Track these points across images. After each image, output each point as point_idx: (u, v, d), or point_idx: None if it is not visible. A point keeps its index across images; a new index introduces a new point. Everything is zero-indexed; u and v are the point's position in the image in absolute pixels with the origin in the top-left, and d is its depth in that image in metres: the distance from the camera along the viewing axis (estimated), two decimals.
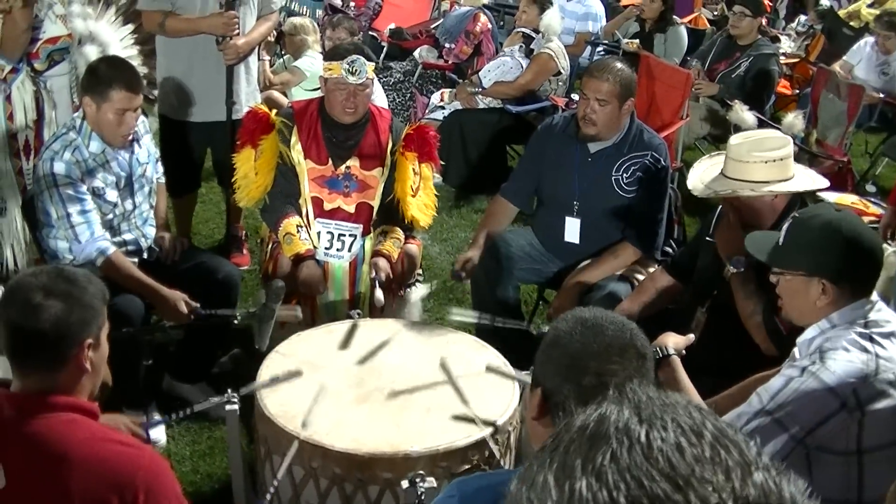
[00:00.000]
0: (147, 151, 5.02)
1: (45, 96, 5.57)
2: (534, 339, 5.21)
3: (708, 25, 12.05)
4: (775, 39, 10.07)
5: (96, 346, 2.78)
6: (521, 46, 8.33)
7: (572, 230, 5.16)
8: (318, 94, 5.40)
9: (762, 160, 4.18)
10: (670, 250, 5.21)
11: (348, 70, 4.86)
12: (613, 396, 1.12)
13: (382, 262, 4.87)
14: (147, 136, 5.02)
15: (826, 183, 4.40)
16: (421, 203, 5.14)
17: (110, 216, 4.78)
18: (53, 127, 5.59)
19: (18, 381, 2.73)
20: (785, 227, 3.36)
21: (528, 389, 3.72)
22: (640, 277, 4.97)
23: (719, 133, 8.52)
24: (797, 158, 4.81)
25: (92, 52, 5.71)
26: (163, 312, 4.66)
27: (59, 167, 4.56)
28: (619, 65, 5.07)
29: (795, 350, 3.29)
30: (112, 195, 4.77)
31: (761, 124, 7.32)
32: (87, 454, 2.61)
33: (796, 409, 3.03)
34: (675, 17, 10.16)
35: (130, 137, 4.80)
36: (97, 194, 4.69)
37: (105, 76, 4.62)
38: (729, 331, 4.05)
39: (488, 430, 3.54)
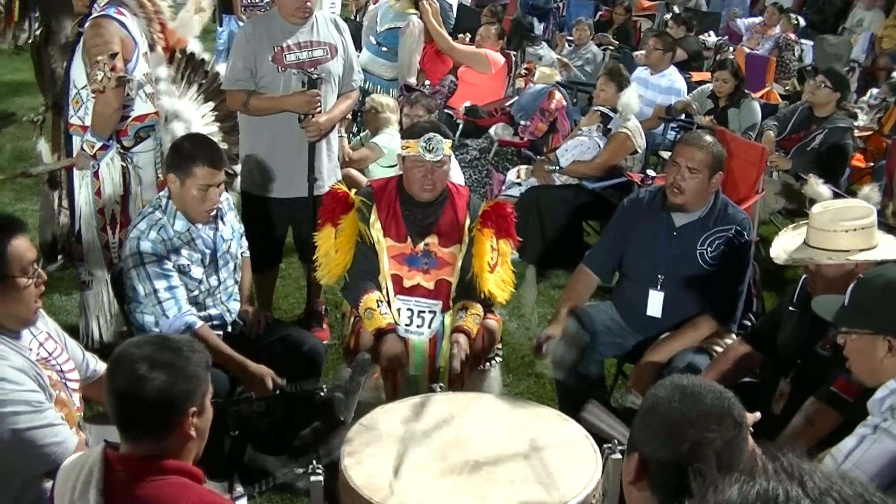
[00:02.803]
0: (231, 228, 5.12)
1: (132, 172, 5.70)
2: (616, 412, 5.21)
3: (780, 100, 12.04)
4: (854, 116, 10.02)
5: (201, 412, 2.86)
6: (598, 126, 8.35)
7: (655, 304, 5.15)
8: (394, 170, 5.47)
9: (844, 229, 4.17)
10: (748, 323, 5.19)
11: (425, 148, 4.92)
12: (766, 470, 1.12)
13: (462, 339, 4.88)
14: (231, 213, 5.12)
15: None
16: (499, 279, 5.14)
17: (196, 292, 4.87)
18: (139, 202, 5.71)
19: (127, 446, 2.80)
20: (850, 287, 3.38)
21: (609, 461, 3.75)
22: (718, 349, 4.95)
23: (794, 207, 8.49)
24: None
25: (179, 129, 5.88)
26: (249, 387, 4.73)
27: (146, 246, 4.67)
28: (711, 138, 5.13)
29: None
30: (197, 272, 4.87)
31: (836, 197, 7.28)
32: None
33: (872, 468, 3.01)
34: (747, 90, 10.19)
35: (214, 213, 4.89)
36: (183, 271, 4.79)
37: (188, 153, 4.74)
38: None
39: (573, 502, 3.53)
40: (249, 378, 4.69)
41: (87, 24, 5.54)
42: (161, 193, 4.92)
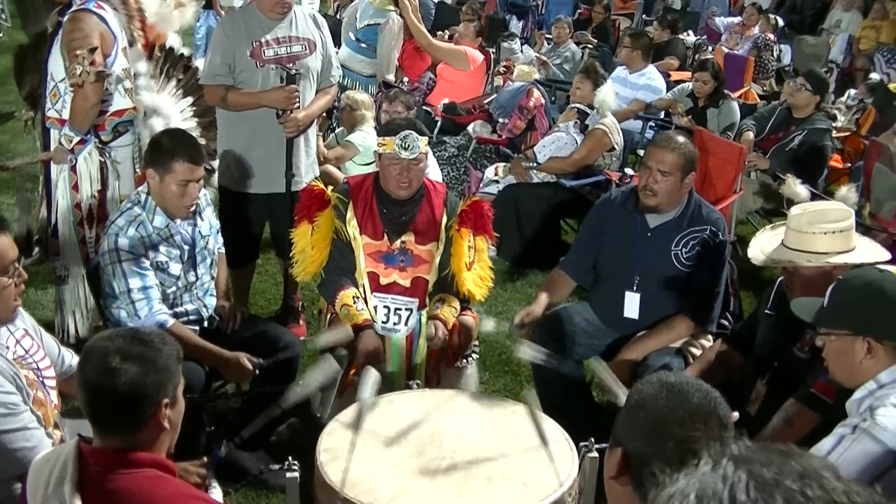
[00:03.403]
0: (209, 224, 5.11)
1: (110, 167, 5.68)
2: (595, 410, 5.23)
3: (758, 100, 12.09)
4: (833, 117, 10.07)
5: (173, 404, 2.86)
6: (575, 122, 8.36)
7: (632, 305, 5.16)
8: (371, 167, 5.46)
9: (823, 231, 4.18)
10: (726, 323, 5.20)
11: (401, 145, 4.91)
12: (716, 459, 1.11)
13: (440, 326, 4.90)
14: (209, 209, 5.10)
15: (888, 255, 4.34)
16: (476, 276, 5.15)
17: (173, 288, 4.86)
18: (117, 197, 5.70)
19: (100, 440, 2.80)
20: (830, 289, 3.40)
21: (586, 459, 3.76)
22: (695, 351, 4.97)
23: (772, 207, 8.52)
24: None
25: (158, 125, 5.88)
26: (227, 374, 4.74)
27: (124, 242, 4.65)
28: (683, 139, 5.11)
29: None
30: (175, 268, 4.86)
31: (814, 198, 7.31)
32: None
33: (851, 468, 3.02)
34: (726, 91, 10.22)
35: (193, 209, 4.88)
36: (161, 268, 4.78)
37: (167, 148, 4.73)
38: None
39: (549, 500, 3.53)
40: (226, 365, 4.69)
41: (66, 17, 5.51)
42: (140, 189, 4.90)
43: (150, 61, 6.15)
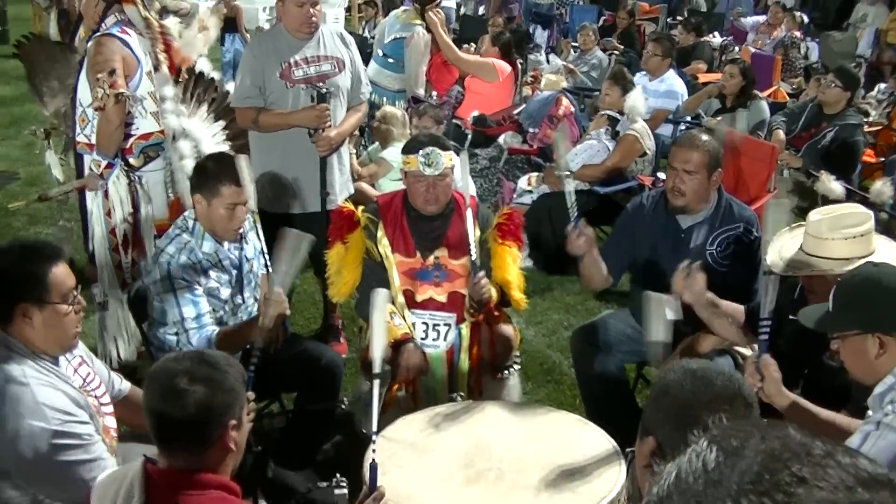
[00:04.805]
0: (253, 246, 5.12)
1: (140, 191, 5.72)
2: (639, 415, 5.19)
3: (787, 98, 12.04)
4: (864, 113, 10.03)
5: (238, 425, 2.88)
6: (606, 129, 8.36)
7: (669, 308, 5.13)
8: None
9: (843, 237, 4.14)
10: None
11: (424, 163, 4.91)
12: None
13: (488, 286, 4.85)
14: (252, 232, 5.11)
15: None
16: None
17: (220, 313, 4.87)
18: (150, 221, 5.73)
19: (166, 461, 2.82)
20: (831, 293, 3.43)
21: (633, 465, 3.75)
22: (744, 351, 4.92)
23: (807, 205, 8.47)
24: (888, 227, 4.78)
25: (186, 148, 5.91)
26: (269, 308, 4.51)
27: (176, 271, 4.67)
28: (705, 136, 5.10)
29: (869, 411, 3.31)
30: (225, 293, 4.88)
31: (849, 194, 7.27)
32: None
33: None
34: (755, 91, 10.18)
35: (240, 232, 4.90)
36: (212, 294, 4.79)
37: (213, 172, 4.75)
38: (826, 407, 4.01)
39: None
40: (265, 311, 4.49)
41: (90, 43, 5.58)
42: (185, 214, 4.92)
43: (177, 85, 6.18)
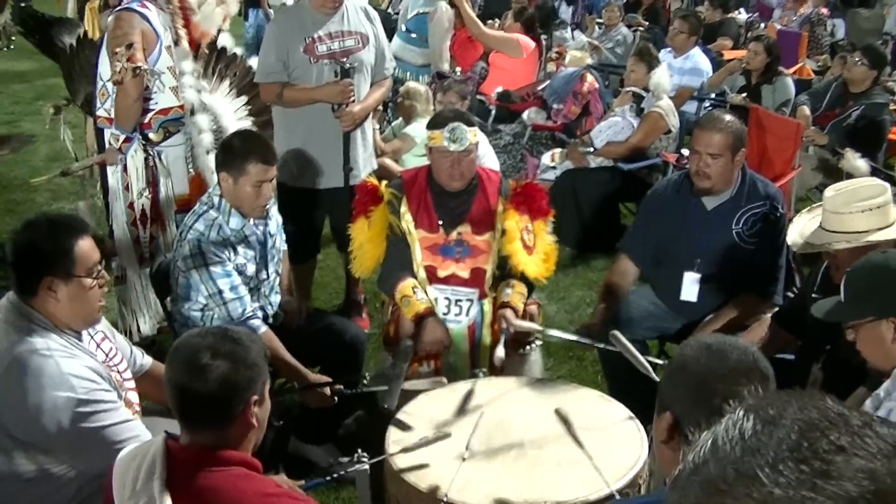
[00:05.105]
0: (276, 222, 5.14)
1: (159, 166, 5.72)
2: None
3: (813, 75, 11.97)
4: (892, 91, 9.96)
5: (261, 401, 2.88)
6: (631, 106, 8.34)
7: (690, 288, 5.13)
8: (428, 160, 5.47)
9: (860, 210, 4.13)
10: (791, 296, 5.16)
11: (449, 138, 4.90)
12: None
13: (510, 314, 4.83)
14: (274, 207, 5.12)
15: None
16: (538, 259, 5.11)
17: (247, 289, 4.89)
18: (171, 197, 5.74)
19: (188, 437, 2.82)
20: (843, 283, 3.44)
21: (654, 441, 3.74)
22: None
23: (832, 182, 8.42)
24: None
25: (203, 121, 5.88)
26: (308, 397, 4.73)
27: (207, 246, 4.68)
28: (727, 117, 5.08)
29: (881, 389, 3.34)
30: (251, 269, 4.89)
31: (874, 171, 7.23)
32: None
33: None
34: (780, 67, 10.13)
35: (267, 208, 4.91)
36: (239, 270, 4.80)
37: (240, 150, 4.75)
38: (847, 388, 4.00)
39: (619, 484, 3.53)
40: (310, 390, 4.69)
41: (109, 18, 5.58)
42: (210, 191, 4.93)
43: (197, 60, 6.16)
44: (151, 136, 5.71)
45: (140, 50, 5.41)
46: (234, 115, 6.34)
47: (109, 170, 5.76)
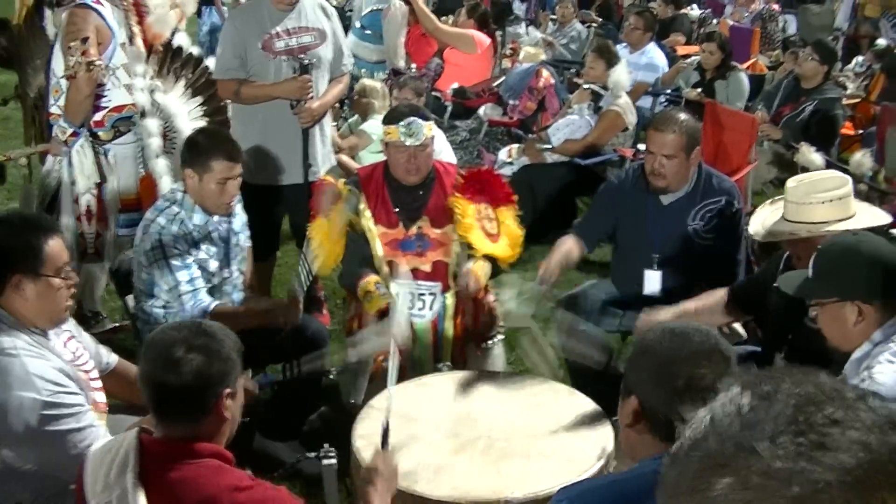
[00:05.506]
0: (241, 220, 5.13)
1: (105, 164, 5.68)
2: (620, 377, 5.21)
3: (766, 70, 12.09)
4: (843, 86, 10.08)
5: (234, 395, 2.89)
6: (589, 104, 8.37)
7: (652, 283, 5.16)
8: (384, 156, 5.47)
9: (820, 200, 4.19)
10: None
11: (405, 133, 4.91)
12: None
13: (471, 276, 4.87)
14: (239, 205, 5.11)
15: (889, 219, 4.36)
16: (504, 245, 5.15)
17: (208, 286, 4.88)
18: (116, 195, 5.70)
19: (162, 430, 2.83)
20: (811, 260, 3.48)
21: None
22: (737, 327, 4.94)
23: (787, 176, 8.47)
24: (868, 198, 4.81)
25: (153, 125, 5.79)
26: (283, 314, 4.79)
27: (168, 240, 4.67)
28: (682, 116, 5.10)
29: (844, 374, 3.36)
30: (213, 265, 4.88)
31: (829, 166, 7.30)
32: (236, 499, 2.72)
33: None
34: (733, 62, 10.22)
35: (232, 205, 4.90)
36: (201, 266, 4.79)
37: (205, 147, 4.76)
38: None
39: (588, 473, 3.54)
40: (276, 312, 4.79)
41: (64, 13, 5.55)
42: (175, 186, 4.93)
43: (150, 61, 6.09)
44: (101, 134, 5.68)
45: (95, 45, 5.39)
46: (188, 115, 6.29)
47: (50, 160, 5.72)
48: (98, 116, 5.64)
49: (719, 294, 4.69)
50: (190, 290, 4.69)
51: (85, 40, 5.27)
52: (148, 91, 5.91)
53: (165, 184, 5.68)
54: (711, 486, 1.04)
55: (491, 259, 5.08)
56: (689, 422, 1.16)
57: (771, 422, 1.06)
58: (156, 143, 5.82)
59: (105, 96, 5.63)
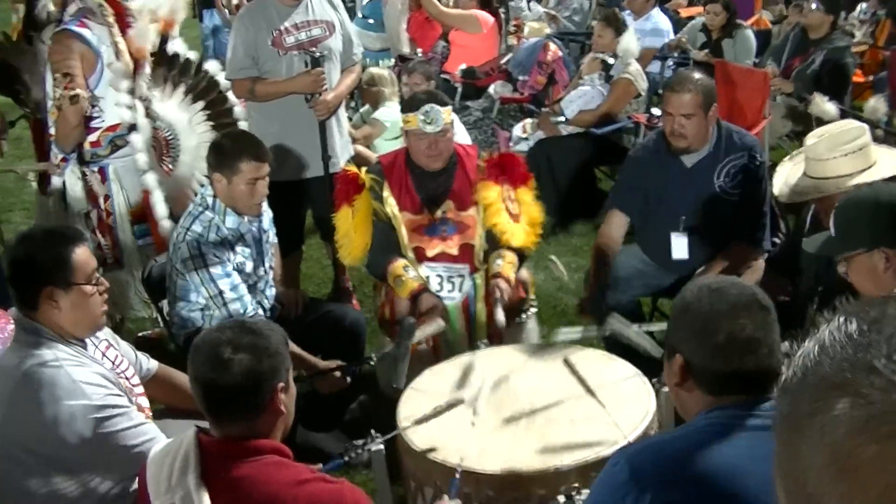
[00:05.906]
0: (268, 217, 5.17)
1: (98, 183, 5.67)
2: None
3: (770, 25, 12.04)
4: (850, 34, 10.04)
5: (286, 388, 2.90)
6: (600, 74, 8.36)
7: (679, 246, 5.17)
8: (400, 142, 5.48)
9: (843, 153, 4.19)
10: (778, 241, 5.22)
11: (425, 120, 4.94)
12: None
13: (503, 283, 4.86)
14: (265, 203, 5.13)
15: None
16: (525, 227, 5.16)
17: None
18: (124, 209, 5.70)
19: (218, 431, 2.85)
20: (831, 218, 3.50)
21: (661, 394, 3.79)
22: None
23: (802, 129, 8.49)
24: (884, 142, 4.82)
25: (137, 141, 5.64)
26: (320, 384, 4.79)
27: (206, 248, 4.71)
28: (696, 75, 5.12)
29: None
30: (249, 266, 4.92)
31: (843, 115, 7.28)
32: (298, 494, 2.73)
33: None
34: (738, 20, 10.19)
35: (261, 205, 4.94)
36: (239, 269, 4.83)
37: (231, 150, 4.79)
38: None
39: (634, 435, 3.57)
40: (322, 376, 4.76)
41: (48, 38, 5.57)
42: (203, 192, 4.94)
43: (142, 74, 5.98)
44: (100, 152, 5.65)
45: (80, 75, 5.37)
46: (191, 122, 6.25)
47: (55, 179, 5.75)
48: (93, 137, 5.61)
49: (758, 268, 4.73)
50: (235, 297, 4.72)
51: (66, 75, 5.25)
52: (141, 104, 5.81)
53: (157, 198, 5.66)
54: (832, 406, 1.05)
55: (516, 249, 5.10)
56: (792, 356, 1.17)
57: (885, 342, 1.07)
58: (142, 158, 5.71)
59: (98, 117, 5.59)
